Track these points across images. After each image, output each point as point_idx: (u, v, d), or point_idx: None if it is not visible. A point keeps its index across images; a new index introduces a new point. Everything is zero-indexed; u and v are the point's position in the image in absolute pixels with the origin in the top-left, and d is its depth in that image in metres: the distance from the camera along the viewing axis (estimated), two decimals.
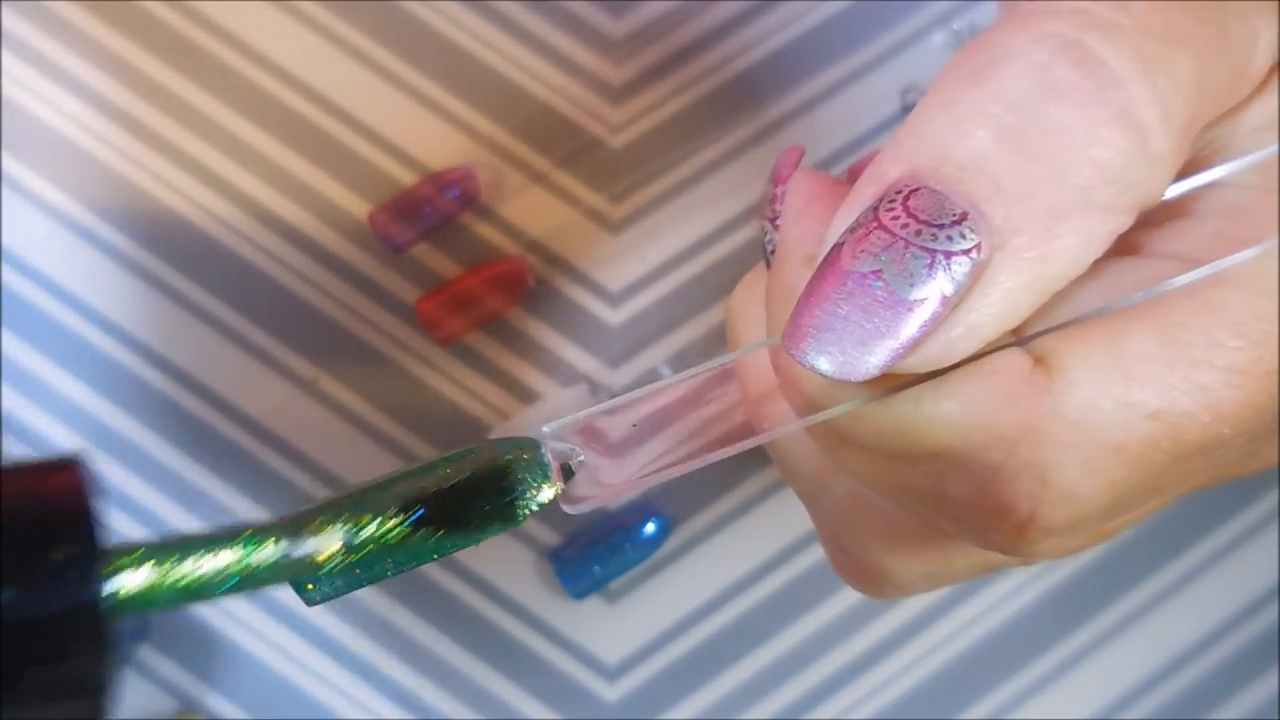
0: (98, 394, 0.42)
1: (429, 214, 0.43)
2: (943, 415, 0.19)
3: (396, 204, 0.43)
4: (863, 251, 0.18)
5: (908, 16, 0.45)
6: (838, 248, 0.19)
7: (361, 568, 0.23)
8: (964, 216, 0.18)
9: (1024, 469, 0.20)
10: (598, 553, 0.41)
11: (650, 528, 0.41)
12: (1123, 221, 0.19)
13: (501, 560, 0.42)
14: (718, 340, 0.43)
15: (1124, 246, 0.20)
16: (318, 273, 0.43)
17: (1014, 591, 0.42)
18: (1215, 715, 0.42)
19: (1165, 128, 0.18)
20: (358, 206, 0.43)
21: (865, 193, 0.20)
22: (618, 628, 0.42)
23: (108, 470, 0.42)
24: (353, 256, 0.43)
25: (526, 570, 0.42)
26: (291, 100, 0.44)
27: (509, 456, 0.25)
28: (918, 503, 0.22)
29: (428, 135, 0.44)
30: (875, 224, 0.19)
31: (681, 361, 0.43)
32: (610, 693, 0.42)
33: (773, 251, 0.23)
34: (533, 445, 0.24)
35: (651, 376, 0.43)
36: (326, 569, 0.22)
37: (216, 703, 0.41)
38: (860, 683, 0.42)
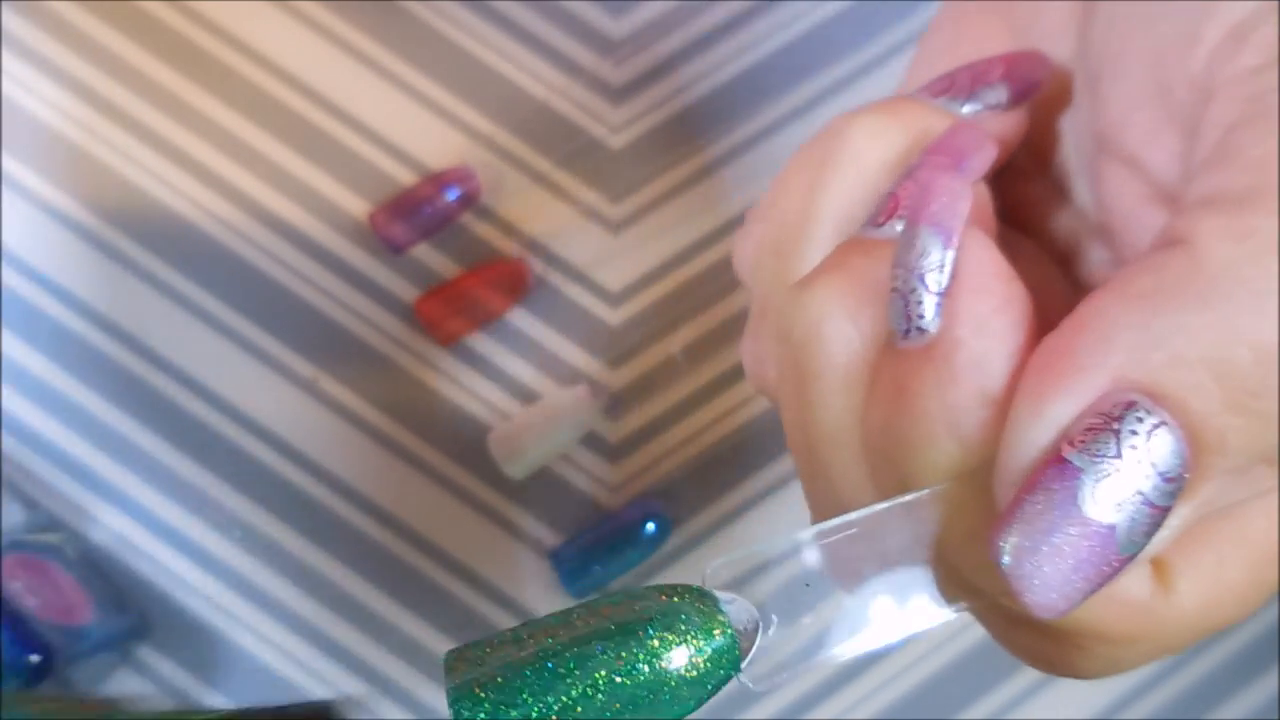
0: (97, 394, 0.42)
1: (429, 214, 0.43)
2: (1080, 616, 0.19)
3: (396, 204, 0.43)
4: (1103, 498, 0.17)
5: (908, 16, 0.45)
6: (1069, 468, 0.17)
7: None
8: (1184, 472, 0.17)
9: (1127, 652, 0.21)
10: (598, 553, 0.41)
11: (650, 528, 0.41)
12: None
13: (502, 560, 0.42)
14: (718, 341, 0.43)
15: None
16: (318, 273, 0.43)
17: None
18: (1215, 715, 0.42)
19: None
20: (358, 206, 0.43)
21: (1094, 383, 0.17)
22: None
23: (107, 470, 0.42)
24: (353, 256, 0.43)
25: (526, 570, 0.42)
26: (291, 100, 0.44)
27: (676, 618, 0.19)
28: (982, 616, 0.22)
29: (428, 135, 0.44)
30: (1118, 458, 0.17)
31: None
32: None
33: (917, 329, 0.20)
34: (707, 601, 0.19)
35: (651, 377, 0.43)
36: None
37: (217, 703, 0.41)
38: (860, 683, 0.42)
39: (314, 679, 0.42)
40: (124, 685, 0.41)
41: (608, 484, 0.43)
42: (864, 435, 0.21)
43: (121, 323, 0.43)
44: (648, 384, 0.43)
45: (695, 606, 0.19)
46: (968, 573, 0.20)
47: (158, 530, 0.42)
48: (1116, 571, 0.18)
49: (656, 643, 0.18)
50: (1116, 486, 0.17)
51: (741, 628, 0.19)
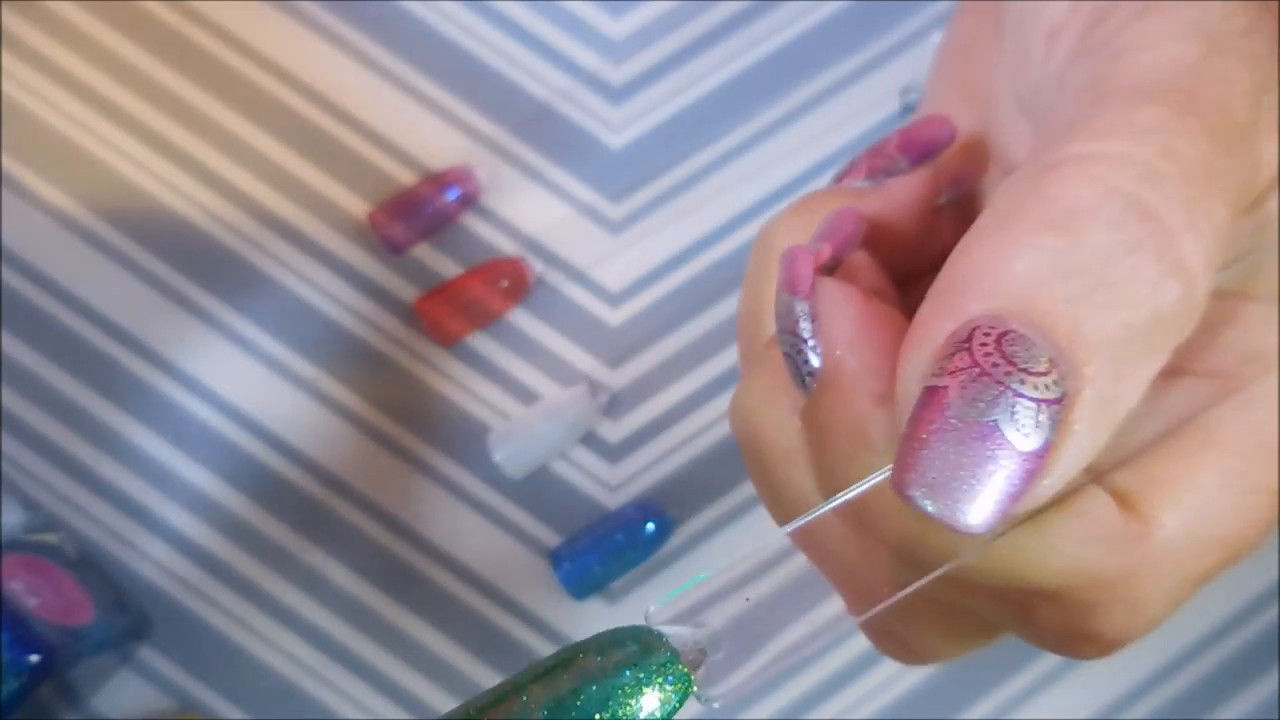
0: (97, 393, 0.42)
1: (429, 214, 0.43)
2: (1049, 564, 0.20)
3: (396, 204, 0.43)
4: (973, 398, 0.18)
5: (908, 16, 0.45)
6: (938, 390, 0.19)
7: None
8: (1053, 362, 0.18)
9: (1117, 605, 0.21)
10: (598, 553, 0.41)
11: (650, 528, 0.41)
12: (1168, 359, 0.20)
13: (502, 560, 0.42)
14: (717, 342, 0.43)
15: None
16: (318, 273, 0.43)
17: None
18: (1215, 715, 0.42)
19: (1207, 273, 0.19)
20: (358, 206, 0.43)
21: (940, 327, 0.19)
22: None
23: (108, 470, 0.42)
24: (353, 256, 0.43)
25: (526, 570, 0.42)
26: (291, 100, 0.44)
27: (622, 657, 0.19)
28: (997, 620, 0.23)
29: (428, 135, 0.44)
30: (975, 367, 0.18)
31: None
32: None
33: (809, 375, 0.22)
34: (652, 639, 0.20)
35: (655, 376, 0.43)
36: None
37: (216, 703, 0.41)
38: (860, 683, 0.42)
39: (314, 679, 0.42)
40: (124, 685, 0.41)
41: (608, 484, 0.43)
42: (817, 485, 0.23)
43: (121, 323, 0.43)
44: (648, 384, 0.43)
45: (640, 647, 0.19)
46: (918, 546, 0.21)
47: (158, 530, 0.42)
48: (1033, 472, 0.18)
49: (620, 693, 0.19)
50: (981, 388, 0.18)
51: (689, 655, 0.20)
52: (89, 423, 0.42)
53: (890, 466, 0.19)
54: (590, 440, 0.43)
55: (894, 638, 0.25)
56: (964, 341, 0.19)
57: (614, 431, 0.43)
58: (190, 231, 0.43)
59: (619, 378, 0.43)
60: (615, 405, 0.43)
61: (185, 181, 0.43)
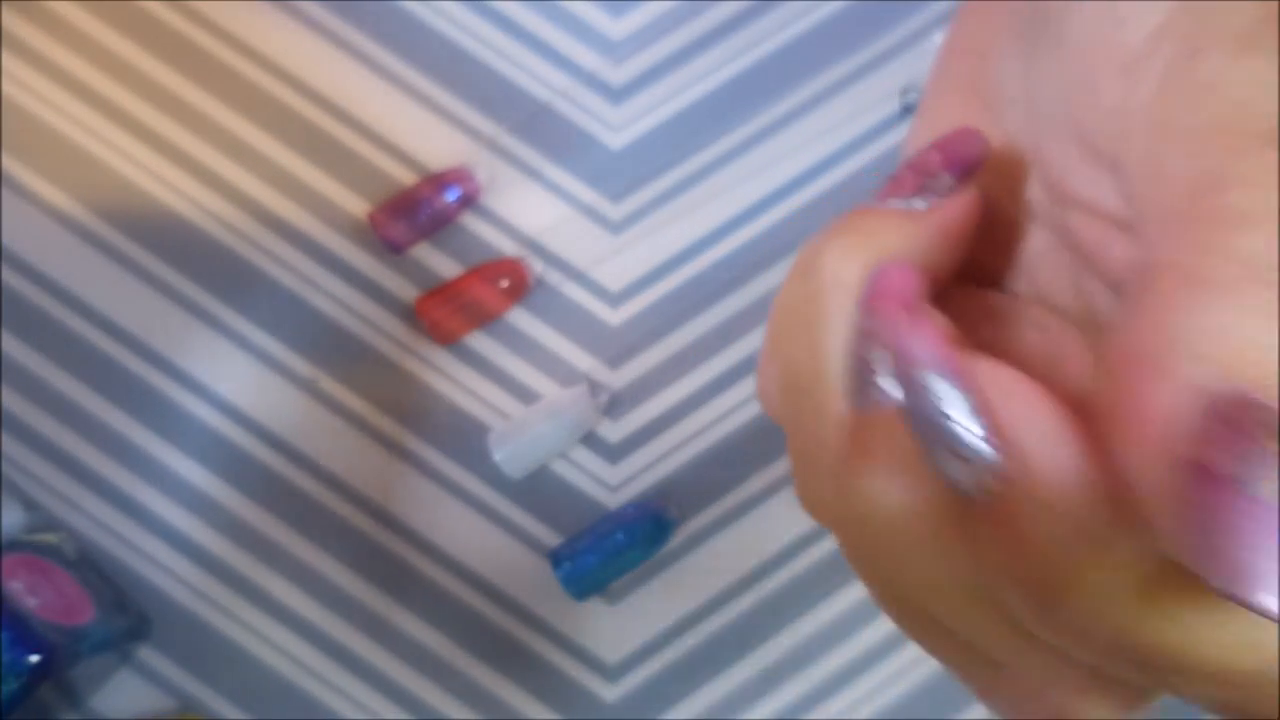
0: (97, 393, 0.42)
1: (429, 214, 0.43)
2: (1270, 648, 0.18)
3: (396, 204, 0.43)
4: (1248, 468, 0.17)
5: (908, 16, 0.45)
6: (1206, 467, 0.17)
7: None
8: None
9: None
10: (598, 553, 0.41)
11: (650, 528, 0.41)
12: None
13: (501, 560, 0.42)
14: (717, 342, 0.43)
15: None
16: (318, 273, 0.43)
17: None
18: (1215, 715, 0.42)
19: None
20: (358, 206, 0.43)
21: (1163, 400, 0.17)
22: (618, 628, 0.42)
23: (108, 470, 0.42)
24: (353, 256, 0.43)
25: (526, 570, 0.42)
26: (291, 100, 0.44)
27: None
28: (1178, 693, 0.21)
29: (428, 135, 0.44)
30: (1233, 436, 0.17)
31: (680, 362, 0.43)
32: (610, 693, 0.42)
33: (983, 472, 0.19)
34: None
35: (655, 376, 0.43)
36: None
37: (216, 703, 0.41)
38: (860, 683, 0.42)
39: (314, 679, 0.42)
40: (124, 685, 0.41)
41: (608, 484, 0.43)
42: (976, 584, 0.20)
43: (121, 323, 0.43)
44: (648, 384, 0.43)
45: None
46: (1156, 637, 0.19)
47: (158, 530, 0.42)
48: None
49: None
50: (1252, 457, 0.17)
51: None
52: (89, 423, 0.42)
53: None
54: (590, 440, 0.43)
55: (1044, 706, 0.23)
56: (1211, 412, 0.17)
57: (614, 431, 0.43)
58: (190, 231, 0.43)
59: (619, 378, 0.43)
60: (615, 405, 0.43)
61: (185, 181, 0.43)
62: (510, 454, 0.42)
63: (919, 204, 0.24)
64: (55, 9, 0.44)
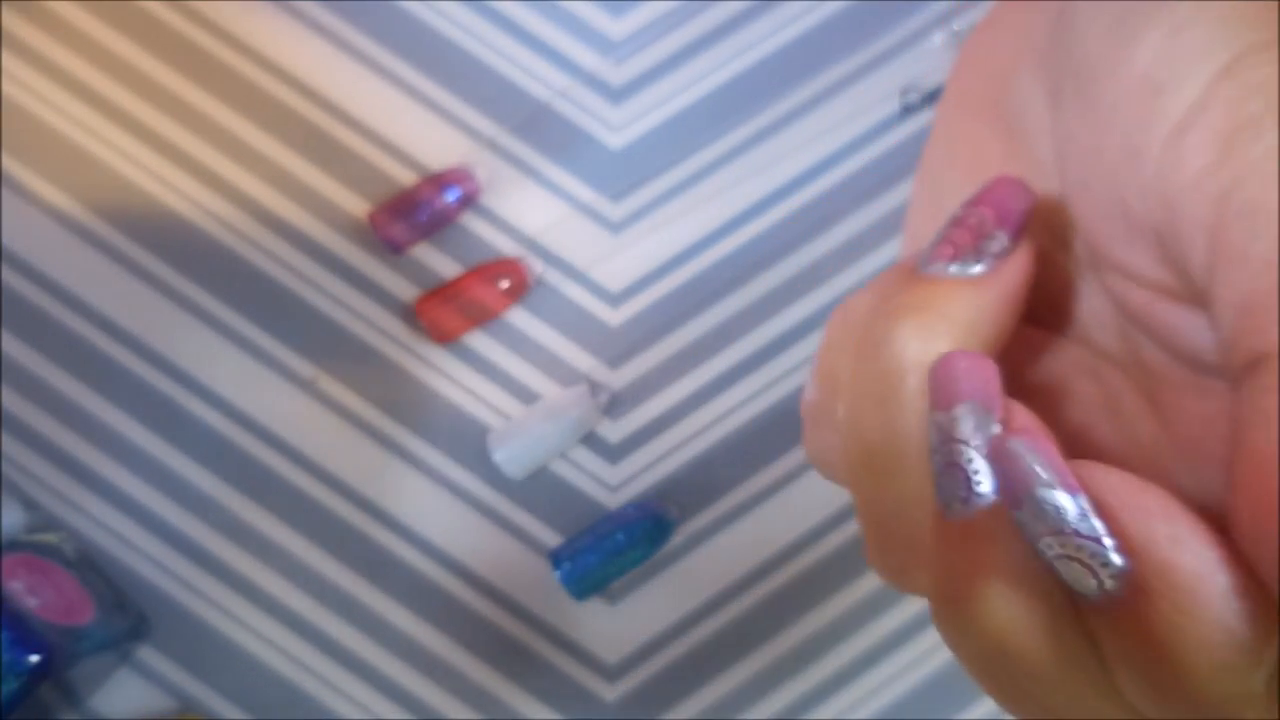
0: (97, 393, 0.42)
1: (429, 214, 0.43)
2: None
3: (396, 204, 0.43)
4: None
5: (908, 16, 0.45)
6: None
7: None
8: None
9: None
10: (598, 553, 0.41)
11: (650, 527, 0.41)
12: None
13: (502, 561, 0.42)
14: (717, 342, 0.43)
15: None
16: (318, 273, 0.43)
17: None
18: None
19: None
20: (358, 206, 0.43)
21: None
22: (618, 628, 0.42)
23: (108, 469, 0.42)
24: (353, 256, 0.43)
25: (526, 570, 0.42)
26: (291, 100, 0.44)
27: None
28: None
29: (428, 135, 0.44)
30: None
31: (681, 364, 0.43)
32: (610, 693, 0.42)
33: (1112, 578, 0.19)
34: None
35: (655, 376, 0.43)
36: None
37: (216, 703, 0.41)
38: (860, 683, 0.42)
39: (314, 679, 0.42)
40: (124, 685, 0.41)
41: (608, 484, 0.43)
42: (1112, 693, 0.20)
43: (121, 323, 0.43)
44: (648, 384, 0.43)
45: None
46: None
47: (157, 530, 0.42)
48: None
49: None
50: None
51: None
52: (89, 423, 0.42)
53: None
54: (590, 440, 0.43)
55: None
56: None
57: (614, 431, 0.43)
58: (190, 231, 0.43)
59: (619, 378, 0.43)
60: (615, 405, 0.43)
61: (185, 181, 0.43)
62: (510, 454, 0.42)
63: (977, 268, 0.23)
64: (55, 9, 0.44)
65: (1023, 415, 0.20)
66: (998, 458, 0.20)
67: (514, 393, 0.43)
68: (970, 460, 0.20)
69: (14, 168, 0.43)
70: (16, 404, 0.42)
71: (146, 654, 0.42)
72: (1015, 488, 0.19)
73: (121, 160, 0.44)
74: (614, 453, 0.43)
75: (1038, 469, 0.19)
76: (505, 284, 0.42)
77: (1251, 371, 0.18)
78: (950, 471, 0.20)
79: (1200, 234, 0.19)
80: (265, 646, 0.42)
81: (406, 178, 0.44)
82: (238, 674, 0.42)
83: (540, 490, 0.42)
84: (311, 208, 0.43)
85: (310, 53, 0.44)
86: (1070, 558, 0.19)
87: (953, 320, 0.22)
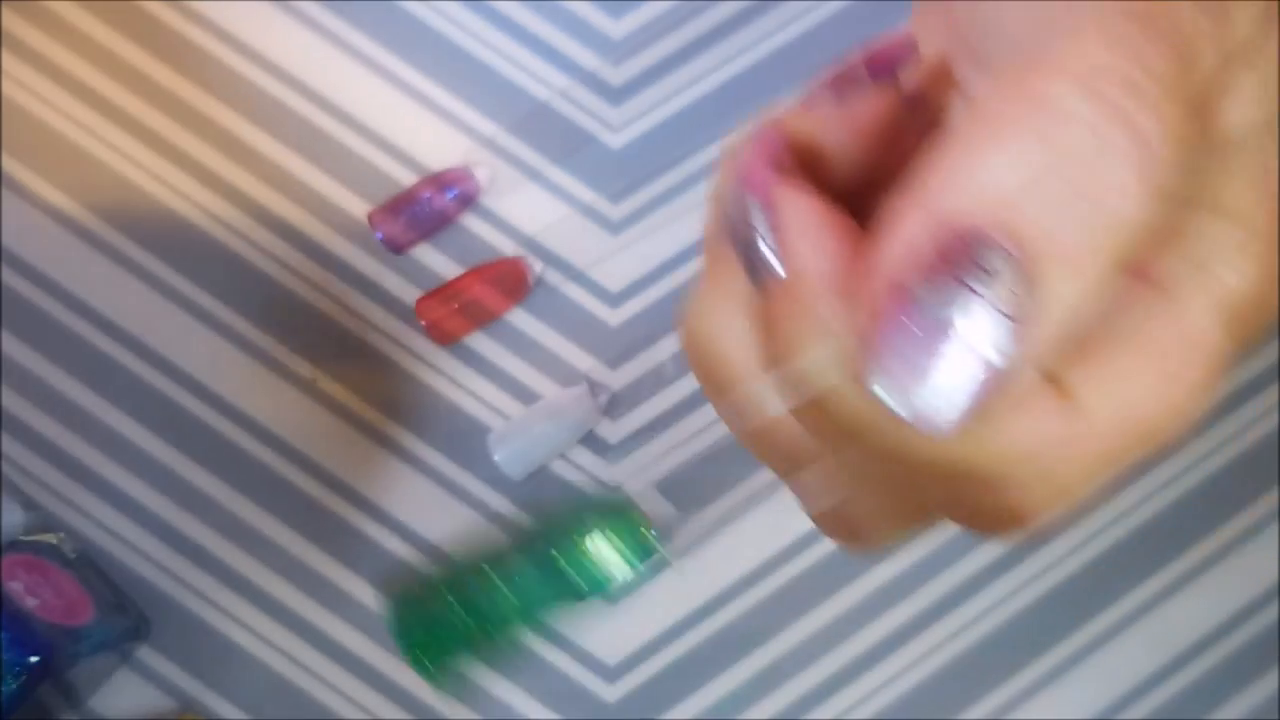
0: (97, 394, 0.42)
1: (429, 214, 0.43)
2: (989, 446, 0.21)
3: (396, 204, 0.43)
4: (938, 297, 0.19)
5: (908, 17, 0.45)
6: (904, 287, 0.19)
7: None
8: (1021, 271, 0.19)
9: (1040, 481, 0.22)
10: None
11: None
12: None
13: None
14: None
15: None
16: (318, 273, 0.43)
17: (1014, 591, 0.42)
18: (1215, 715, 0.42)
19: (1170, 181, 0.20)
20: (358, 206, 0.43)
21: (910, 227, 0.20)
22: (618, 628, 0.42)
23: (108, 470, 0.42)
24: (353, 256, 0.43)
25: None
26: (291, 100, 0.44)
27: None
28: (932, 498, 0.23)
29: (428, 135, 0.44)
30: (943, 268, 0.19)
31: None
32: (610, 693, 0.42)
33: (768, 276, 0.22)
34: (622, 503, 0.22)
35: (655, 376, 0.43)
36: None
37: (216, 703, 0.41)
38: (860, 683, 0.42)
39: (314, 679, 0.42)
40: (124, 685, 0.41)
41: (608, 484, 0.43)
42: (774, 385, 0.23)
43: (121, 323, 0.43)
44: (648, 384, 0.43)
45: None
46: (855, 423, 0.21)
47: (157, 530, 0.42)
48: (989, 380, 0.19)
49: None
50: (947, 290, 0.19)
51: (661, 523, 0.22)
52: (89, 423, 0.42)
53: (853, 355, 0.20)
54: (590, 440, 0.43)
55: (842, 523, 0.26)
56: (936, 243, 0.19)
57: (614, 431, 0.43)
58: (190, 231, 0.43)
59: (619, 378, 0.43)
60: (615, 405, 0.43)
61: (185, 181, 0.43)
62: (510, 454, 0.42)
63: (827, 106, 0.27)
64: (55, 9, 0.44)
65: (792, 176, 0.24)
66: (736, 170, 0.23)
67: (514, 393, 0.43)
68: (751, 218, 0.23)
69: (14, 168, 0.43)
70: (16, 404, 0.42)
71: (146, 654, 0.42)
72: (735, 189, 0.23)
73: (121, 160, 0.44)
74: (614, 453, 0.43)
75: (747, 177, 0.23)
76: (505, 284, 0.43)
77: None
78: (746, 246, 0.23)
79: (1028, 31, 0.21)
80: (265, 647, 0.42)
81: (406, 178, 0.44)
82: (238, 674, 0.42)
83: (540, 490, 0.42)
84: (311, 208, 0.43)
85: (310, 53, 0.44)
86: (748, 256, 0.23)
87: (785, 133, 0.25)
